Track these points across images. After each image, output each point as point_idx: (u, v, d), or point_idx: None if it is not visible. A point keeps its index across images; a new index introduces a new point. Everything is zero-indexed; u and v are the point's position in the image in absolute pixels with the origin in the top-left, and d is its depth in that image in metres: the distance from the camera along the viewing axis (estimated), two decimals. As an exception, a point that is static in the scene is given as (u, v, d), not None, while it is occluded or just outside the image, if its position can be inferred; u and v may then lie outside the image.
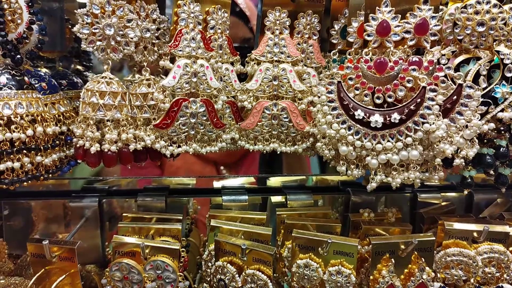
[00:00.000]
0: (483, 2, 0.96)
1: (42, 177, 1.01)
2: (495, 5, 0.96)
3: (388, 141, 0.96)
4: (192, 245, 1.35)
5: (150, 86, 1.01)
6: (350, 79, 1.00)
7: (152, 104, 1.01)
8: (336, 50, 1.13)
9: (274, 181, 1.49)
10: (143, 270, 1.05)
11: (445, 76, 0.97)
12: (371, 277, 1.07)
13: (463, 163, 0.98)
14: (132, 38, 0.97)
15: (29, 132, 0.95)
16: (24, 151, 0.96)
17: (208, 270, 1.14)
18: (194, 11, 1.02)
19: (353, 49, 1.04)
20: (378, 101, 0.97)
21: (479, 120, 0.95)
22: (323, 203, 1.43)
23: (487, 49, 1.00)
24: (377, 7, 0.97)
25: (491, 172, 1.05)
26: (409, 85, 0.95)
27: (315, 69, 1.12)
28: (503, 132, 1.01)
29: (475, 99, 0.94)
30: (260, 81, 1.08)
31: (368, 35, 0.98)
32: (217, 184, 1.46)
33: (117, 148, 1.00)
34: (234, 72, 1.12)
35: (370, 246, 1.06)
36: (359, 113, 0.96)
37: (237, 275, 1.04)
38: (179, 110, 1.00)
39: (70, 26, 1.18)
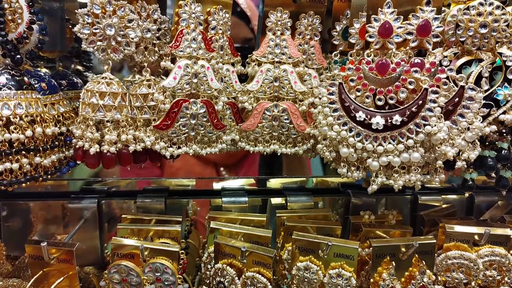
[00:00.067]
0: (485, 3, 0.96)
1: (41, 178, 1.01)
2: (497, 7, 0.95)
3: (390, 143, 0.95)
4: (191, 247, 1.35)
5: (151, 87, 1.01)
6: (352, 80, 1.00)
7: (152, 105, 1.00)
8: (338, 51, 1.12)
9: (274, 182, 1.48)
10: (142, 273, 1.04)
11: (447, 78, 0.96)
12: (372, 280, 1.06)
13: (465, 166, 0.97)
14: (132, 39, 0.97)
15: (28, 132, 0.95)
16: (23, 152, 0.96)
17: (208, 273, 1.14)
18: (195, 11, 1.01)
19: (354, 50, 1.03)
20: (379, 103, 0.97)
21: (481, 122, 0.95)
22: (323, 205, 1.42)
23: (489, 51, 1.00)
24: (379, 8, 0.97)
25: (493, 174, 1.05)
26: (411, 87, 0.95)
27: (316, 70, 1.12)
28: (505, 134, 1.00)
29: (477, 101, 0.94)
30: (261, 82, 1.07)
31: (370, 36, 0.97)
32: (216, 185, 1.45)
33: (117, 149, 0.99)
34: (235, 73, 1.11)
35: (371, 248, 1.06)
36: (360, 115, 0.96)
37: (236, 278, 1.04)
38: (179, 111, 1.00)
39: (70, 26, 1.17)
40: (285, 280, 1.17)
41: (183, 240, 1.19)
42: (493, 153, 1.02)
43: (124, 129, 0.99)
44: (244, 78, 1.16)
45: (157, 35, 1.02)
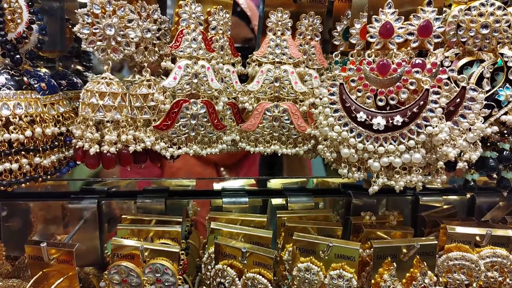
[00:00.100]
0: (487, 4, 0.95)
1: (40, 179, 1.00)
2: (499, 7, 0.95)
3: (391, 143, 0.95)
4: (191, 248, 1.34)
5: (151, 87, 1.00)
6: (353, 81, 0.99)
7: (152, 105, 1.00)
8: (338, 51, 1.12)
9: (275, 183, 1.48)
10: (142, 273, 1.03)
11: (448, 78, 0.96)
12: (373, 281, 1.06)
13: (466, 167, 0.97)
14: (132, 39, 0.96)
15: (28, 133, 0.94)
16: (23, 152, 0.95)
17: (208, 273, 1.13)
18: (195, 11, 1.01)
19: (355, 51, 1.03)
20: (380, 104, 0.96)
21: (483, 123, 0.94)
22: (323, 205, 1.42)
23: (491, 51, 1.00)
24: (380, 9, 0.96)
25: (494, 175, 1.05)
26: (412, 87, 0.95)
27: (317, 71, 1.11)
28: (506, 135, 1.00)
29: (479, 102, 0.94)
30: (262, 83, 1.07)
31: (371, 37, 0.97)
32: (217, 186, 1.45)
33: (117, 149, 0.99)
34: (235, 73, 1.11)
35: (372, 249, 1.05)
36: (361, 115, 0.95)
37: (237, 279, 1.03)
38: (179, 111, 0.99)
39: (70, 26, 1.17)
40: (286, 281, 1.17)
41: (183, 241, 1.19)
42: (494, 154, 1.01)
43: (124, 129, 0.99)
44: (244, 78, 1.15)
45: (157, 35, 1.02)
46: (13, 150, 0.94)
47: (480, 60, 0.99)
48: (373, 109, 0.96)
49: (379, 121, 0.94)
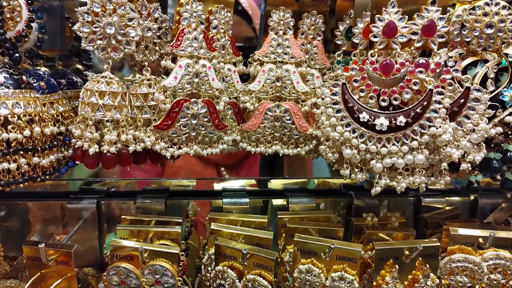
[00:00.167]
0: (492, 3, 0.94)
1: (39, 179, 0.99)
2: (504, 7, 0.94)
3: (393, 144, 0.94)
4: (191, 248, 1.33)
5: (151, 86, 0.99)
6: (355, 81, 0.98)
7: (153, 105, 0.99)
8: (341, 51, 1.11)
9: (275, 183, 1.47)
10: (142, 275, 1.02)
11: (452, 78, 0.95)
12: (374, 283, 1.05)
13: (470, 168, 0.96)
14: (133, 37, 0.95)
15: (26, 132, 0.93)
16: (21, 152, 0.94)
17: (208, 275, 1.12)
18: (196, 10, 1.00)
19: (358, 50, 1.02)
20: (383, 104, 0.95)
21: (487, 124, 0.93)
22: (325, 206, 1.41)
23: (495, 51, 0.98)
24: (383, 8, 0.95)
25: (498, 177, 1.03)
26: (415, 87, 0.93)
27: (319, 71, 1.10)
28: (510, 136, 0.99)
29: (483, 102, 0.93)
30: (263, 82, 1.06)
31: (374, 36, 0.96)
32: (217, 186, 1.44)
33: (117, 149, 0.98)
34: (237, 73, 1.10)
35: (374, 251, 1.04)
36: (364, 116, 0.94)
37: (237, 281, 1.02)
38: (180, 111, 0.98)
39: (70, 25, 1.16)
40: (287, 283, 1.16)
41: (183, 242, 1.18)
42: (498, 155, 1.00)
43: (124, 129, 0.98)
44: (245, 78, 1.14)
45: (158, 34, 1.01)
46: (12, 149, 0.93)
47: (484, 60, 0.98)
48: (376, 110, 0.95)
49: (382, 122, 0.93)
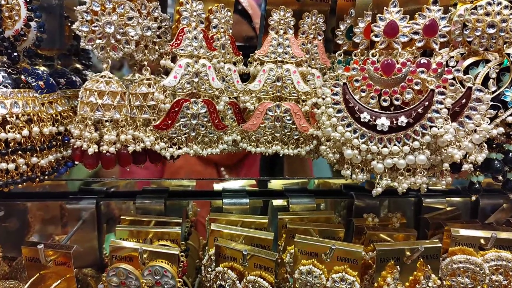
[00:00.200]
0: (493, 3, 0.94)
1: (37, 179, 0.98)
2: (506, 7, 0.93)
3: (395, 145, 0.93)
4: (191, 249, 1.33)
5: (151, 86, 0.99)
6: (356, 80, 0.97)
7: (152, 105, 0.98)
8: (342, 51, 1.10)
9: (275, 184, 1.46)
10: (141, 276, 1.02)
11: (454, 78, 0.94)
12: (375, 284, 1.04)
13: (472, 168, 0.95)
14: (132, 37, 0.94)
15: (25, 132, 0.92)
16: (20, 152, 0.93)
17: (208, 276, 1.12)
18: (196, 9, 0.99)
19: (359, 50, 1.01)
20: (384, 104, 0.95)
21: (488, 124, 0.93)
22: (325, 206, 1.40)
23: (497, 51, 0.98)
24: (385, 7, 0.95)
25: (500, 177, 1.03)
26: (417, 87, 0.93)
27: (319, 70, 1.10)
28: (512, 137, 0.98)
29: (485, 102, 0.92)
30: (263, 82, 1.05)
31: (376, 36, 0.95)
32: (217, 186, 1.43)
33: (116, 149, 0.97)
34: (237, 72, 1.09)
35: (375, 252, 1.04)
36: (365, 116, 0.94)
37: (238, 282, 1.02)
38: (179, 111, 0.97)
39: (69, 24, 1.15)
40: (287, 284, 1.16)
41: (183, 242, 1.17)
42: (500, 155, 1.00)
43: (123, 129, 0.97)
44: (245, 77, 1.14)
45: (157, 33, 1.00)
46: (10, 149, 0.92)
47: (486, 60, 0.98)
48: (377, 110, 0.95)
49: (383, 122, 0.92)
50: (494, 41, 0.96)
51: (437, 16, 0.94)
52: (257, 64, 1.08)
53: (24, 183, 0.96)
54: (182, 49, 0.98)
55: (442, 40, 0.95)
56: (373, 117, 0.93)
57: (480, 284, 1.06)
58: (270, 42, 1.06)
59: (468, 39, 0.96)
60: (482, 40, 0.96)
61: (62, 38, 1.16)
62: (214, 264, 1.08)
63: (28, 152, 0.95)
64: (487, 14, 0.94)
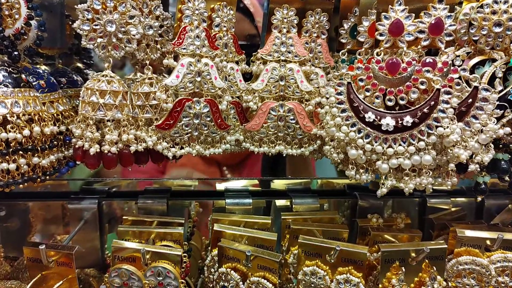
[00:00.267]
0: (500, 1, 0.92)
1: (39, 179, 0.98)
2: (513, 5, 0.92)
3: (400, 145, 0.92)
4: (194, 249, 1.32)
5: (153, 85, 0.98)
6: (361, 80, 0.96)
7: (154, 104, 0.97)
8: (345, 50, 1.09)
9: (278, 184, 1.45)
10: (144, 277, 1.01)
11: (460, 78, 0.93)
12: (380, 286, 1.03)
13: (478, 169, 0.94)
14: (134, 35, 0.93)
15: (26, 132, 0.91)
16: (20, 152, 0.92)
17: (211, 276, 1.11)
18: (199, 8, 0.98)
19: (363, 49, 1.00)
20: (389, 103, 0.94)
21: (495, 124, 0.91)
22: (328, 207, 1.39)
23: (503, 50, 0.97)
24: (390, 6, 0.93)
25: (506, 178, 1.02)
26: (422, 87, 0.92)
27: (323, 69, 1.08)
28: (519, 137, 0.97)
29: (491, 102, 0.91)
30: (266, 81, 1.04)
31: (380, 35, 0.94)
32: (220, 186, 1.42)
33: (118, 149, 0.96)
34: (239, 72, 1.08)
35: (379, 253, 1.03)
36: (370, 116, 0.92)
37: (241, 283, 1.01)
38: (182, 110, 0.96)
39: (70, 22, 1.14)
40: (290, 285, 1.15)
41: (185, 243, 1.16)
42: (507, 156, 0.99)
43: (125, 128, 0.96)
44: (248, 77, 1.12)
45: (159, 32, 0.99)
46: (11, 149, 0.91)
47: (492, 60, 0.96)
48: (381, 109, 0.94)
49: (388, 122, 0.91)
50: (500, 40, 0.94)
51: (443, 14, 0.92)
52: (260, 63, 1.07)
53: (25, 183, 0.95)
54: (184, 48, 0.97)
55: (448, 39, 0.94)
56: (378, 117, 0.92)
57: (486, 286, 1.05)
58: (273, 41, 1.05)
59: (474, 38, 0.95)
60: (488, 39, 0.94)
61: (63, 37, 1.15)
62: (217, 264, 1.07)
63: (29, 152, 0.94)
64: (494, 12, 0.93)
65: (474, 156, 0.93)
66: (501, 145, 0.98)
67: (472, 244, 1.08)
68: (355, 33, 1.04)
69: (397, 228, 1.21)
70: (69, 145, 1.04)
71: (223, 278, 1.03)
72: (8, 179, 0.92)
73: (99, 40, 0.92)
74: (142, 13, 0.95)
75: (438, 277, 1.01)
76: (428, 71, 0.91)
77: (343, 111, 0.96)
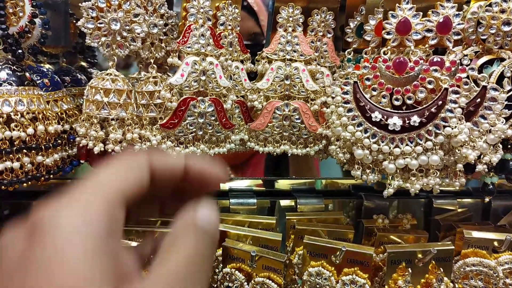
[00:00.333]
0: (509, 0, 0.91)
1: (42, 178, 0.97)
2: (522, 3, 0.91)
3: (407, 145, 0.91)
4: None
5: (157, 84, 0.97)
6: (367, 79, 0.95)
7: (159, 103, 0.97)
8: (351, 49, 1.08)
9: (282, 184, 1.44)
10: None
11: (468, 77, 0.92)
12: (386, 287, 1.02)
13: (486, 169, 0.93)
14: (138, 34, 0.93)
15: (30, 130, 0.91)
16: (24, 150, 0.92)
17: (215, 277, 1.10)
18: (204, 6, 0.97)
19: (369, 48, 0.99)
20: (396, 103, 0.93)
21: (504, 124, 0.90)
22: (333, 207, 1.38)
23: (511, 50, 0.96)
24: (397, 4, 0.92)
25: (514, 178, 1.01)
26: (430, 86, 0.91)
27: (329, 69, 1.08)
28: (527, 137, 0.96)
29: (500, 102, 0.90)
30: (272, 80, 1.03)
31: (388, 33, 0.93)
32: (223, 185, 1.41)
33: (122, 148, 0.95)
34: (244, 71, 1.07)
35: (385, 254, 1.02)
36: (377, 115, 0.91)
37: (245, 283, 1.00)
38: (186, 109, 0.96)
39: (74, 21, 1.14)
40: (295, 285, 1.14)
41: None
42: (515, 156, 0.97)
43: (129, 127, 0.96)
44: (253, 76, 1.12)
45: (164, 30, 0.99)
46: (15, 148, 0.90)
47: (500, 59, 0.95)
48: (388, 109, 0.93)
49: (395, 121, 0.90)
50: (509, 39, 0.93)
51: (451, 13, 0.91)
52: (265, 62, 1.06)
53: (29, 182, 0.95)
54: (189, 47, 0.96)
55: (456, 37, 0.93)
56: (385, 117, 0.91)
57: (493, 288, 1.05)
58: (279, 39, 1.04)
59: (483, 37, 0.94)
60: (497, 38, 0.93)
61: (67, 36, 1.15)
62: (221, 265, 1.07)
63: (33, 151, 0.93)
64: (503, 11, 0.92)
65: (482, 156, 0.91)
66: (509, 146, 0.97)
67: (479, 245, 1.07)
68: (361, 32, 1.03)
69: (403, 229, 1.20)
70: (73, 144, 1.03)
71: (228, 279, 1.03)
72: (12, 178, 0.92)
73: (103, 38, 0.91)
74: (147, 12, 0.94)
75: (445, 278, 1.00)
76: (435, 70, 0.90)
77: (349, 110, 0.95)
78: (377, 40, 0.98)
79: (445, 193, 1.31)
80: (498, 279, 1.04)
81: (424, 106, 0.90)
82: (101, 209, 0.37)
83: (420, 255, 1.01)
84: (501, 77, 0.93)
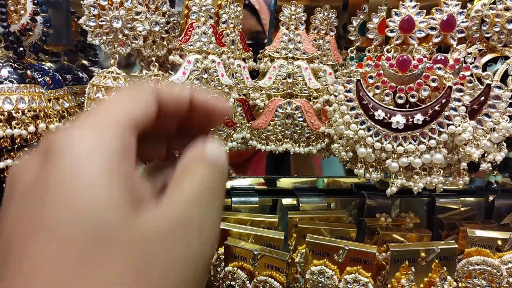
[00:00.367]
0: (514, -3, 0.91)
1: (44, 177, 0.96)
2: (527, 1, 0.90)
3: (410, 143, 0.90)
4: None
5: (159, 82, 0.96)
6: (370, 77, 0.95)
7: (161, 101, 0.96)
8: (354, 47, 1.07)
9: (284, 182, 1.43)
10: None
11: (471, 75, 0.91)
12: (389, 286, 1.02)
13: (490, 168, 0.92)
14: (140, 32, 0.92)
15: (31, 128, 0.90)
16: (26, 148, 0.91)
17: (217, 276, 1.09)
18: (206, 4, 0.96)
19: (373, 46, 0.98)
20: (400, 101, 0.92)
21: (508, 122, 0.90)
22: (335, 206, 1.37)
23: (516, 47, 0.95)
24: (400, 2, 0.92)
25: (517, 177, 1.00)
26: (433, 84, 0.90)
27: (331, 67, 1.07)
28: (532, 135, 0.95)
29: (504, 100, 0.89)
30: (274, 79, 1.03)
31: (391, 31, 0.92)
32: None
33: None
34: (246, 69, 1.07)
35: (388, 253, 1.01)
36: (380, 114, 0.91)
37: (248, 282, 1.00)
38: (189, 107, 0.95)
39: (76, 19, 1.13)
40: (297, 284, 1.13)
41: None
42: (519, 155, 0.97)
43: (131, 126, 0.95)
44: (255, 74, 1.11)
45: (166, 28, 0.98)
46: (16, 146, 0.90)
47: (504, 57, 0.95)
48: (392, 107, 0.92)
49: (399, 120, 0.89)
50: (513, 36, 0.93)
51: (455, 11, 0.91)
52: (268, 60, 1.06)
53: (31, 181, 0.94)
54: (191, 45, 0.96)
55: (460, 35, 0.92)
56: (388, 115, 0.91)
57: (497, 287, 1.04)
58: (281, 38, 1.04)
59: (487, 35, 0.93)
60: (501, 36, 0.93)
61: (68, 34, 1.14)
62: (223, 263, 1.06)
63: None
64: (507, 9, 0.91)
65: (486, 155, 0.91)
66: (513, 144, 0.97)
67: (482, 244, 1.06)
68: (364, 30, 1.03)
69: (406, 227, 1.19)
70: (74, 143, 1.02)
71: (230, 277, 1.02)
72: (13, 177, 0.91)
73: (105, 36, 0.91)
74: (149, 9, 0.94)
75: (448, 277, 1.00)
76: (439, 68, 0.89)
77: (352, 108, 0.94)
78: (380, 38, 0.97)
79: (448, 191, 1.30)
80: (501, 278, 1.03)
81: (428, 104, 0.89)
82: (114, 132, 0.36)
83: (423, 254, 1.00)
84: (505, 75, 0.93)
